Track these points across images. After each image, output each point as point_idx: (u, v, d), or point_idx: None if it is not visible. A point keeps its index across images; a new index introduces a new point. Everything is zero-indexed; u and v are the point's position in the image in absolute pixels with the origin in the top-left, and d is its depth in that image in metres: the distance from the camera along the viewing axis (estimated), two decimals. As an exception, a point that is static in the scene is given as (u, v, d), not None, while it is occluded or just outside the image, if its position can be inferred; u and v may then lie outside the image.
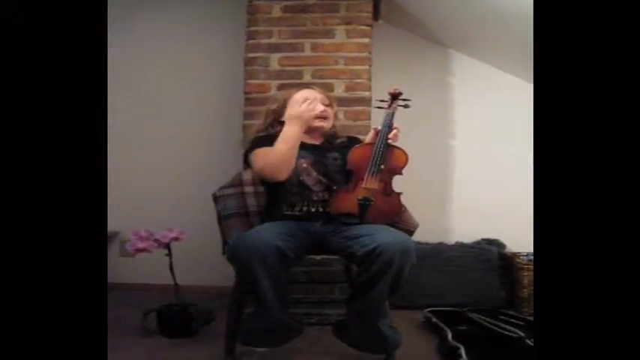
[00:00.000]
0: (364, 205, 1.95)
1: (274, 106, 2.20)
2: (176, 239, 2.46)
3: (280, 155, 1.93)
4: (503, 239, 3.17)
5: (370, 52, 2.79)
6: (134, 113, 3.42)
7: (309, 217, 2.00)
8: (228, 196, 2.26)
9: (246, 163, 2.13)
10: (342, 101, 2.68)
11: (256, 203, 2.28)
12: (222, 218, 2.21)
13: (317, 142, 2.17)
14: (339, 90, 2.75)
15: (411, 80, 3.29)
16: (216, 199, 2.25)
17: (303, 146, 2.06)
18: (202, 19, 3.43)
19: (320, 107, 2.13)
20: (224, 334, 2.07)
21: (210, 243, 2.44)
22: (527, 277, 2.85)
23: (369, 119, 2.73)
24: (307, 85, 2.31)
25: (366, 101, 2.75)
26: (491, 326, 2.43)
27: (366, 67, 2.77)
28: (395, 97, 2.15)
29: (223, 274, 2.45)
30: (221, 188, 2.29)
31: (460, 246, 3.14)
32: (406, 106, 2.13)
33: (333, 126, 2.23)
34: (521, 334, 2.29)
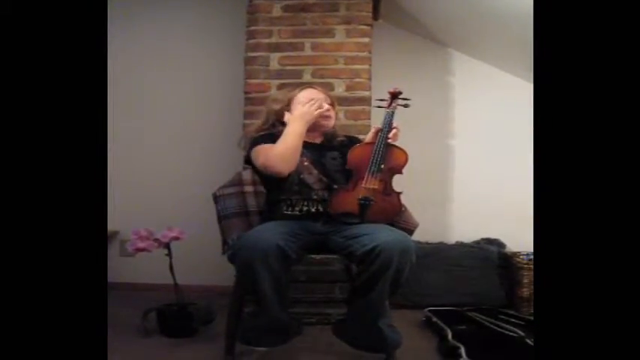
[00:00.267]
0: (364, 204, 1.95)
1: (277, 106, 2.20)
2: (176, 239, 2.46)
3: (285, 150, 1.94)
4: (503, 239, 3.16)
5: (370, 52, 2.79)
6: (134, 113, 3.42)
7: (310, 217, 2.00)
8: (228, 196, 2.26)
9: (247, 162, 2.14)
10: (342, 101, 2.68)
11: (256, 203, 2.28)
12: (221, 218, 2.21)
13: (317, 141, 2.17)
14: (339, 89, 2.75)
15: (411, 79, 3.29)
16: (216, 198, 2.26)
17: (303, 145, 2.06)
18: (202, 19, 3.43)
19: (325, 106, 2.14)
20: (224, 334, 2.08)
21: (210, 242, 2.44)
22: (527, 276, 2.85)
23: (369, 119, 2.73)
24: (309, 85, 2.31)
25: (366, 101, 2.74)
26: (491, 326, 2.44)
27: (366, 66, 2.77)
28: (395, 96, 2.15)
29: (223, 274, 2.44)
30: (221, 188, 2.29)
31: (460, 245, 3.14)
32: (406, 106, 2.14)
33: (333, 125, 2.23)
34: (521, 333, 2.29)
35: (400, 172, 2.07)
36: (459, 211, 3.31)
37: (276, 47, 2.80)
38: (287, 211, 2.03)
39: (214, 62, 3.39)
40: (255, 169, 2.13)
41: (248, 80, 2.80)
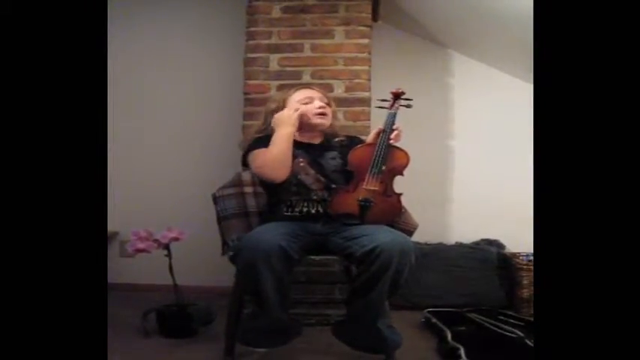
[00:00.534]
0: (364, 206, 1.95)
1: (273, 107, 2.21)
2: (176, 239, 2.46)
3: (274, 158, 1.95)
4: (502, 240, 3.16)
5: (369, 53, 2.79)
6: (133, 113, 3.42)
7: (309, 218, 2.01)
8: (227, 197, 2.25)
9: (245, 164, 2.14)
10: (341, 102, 2.68)
11: (256, 204, 2.28)
12: (221, 218, 2.21)
13: (316, 142, 2.18)
14: (339, 90, 2.75)
15: (411, 81, 3.26)
16: (215, 199, 2.25)
17: (300, 145, 2.07)
18: (202, 20, 3.43)
19: (317, 104, 2.14)
20: (224, 335, 2.08)
21: (210, 243, 2.43)
22: (527, 277, 2.85)
23: (369, 120, 2.73)
24: (306, 85, 2.32)
25: (366, 102, 2.75)
26: (491, 327, 2.43)
27: (366, 67, 2.77)
28: (397, 96, 2.14)
29: (223, 275, 2.44)
30: (220, 188, 2.29)
31: (459, 246, 3.14)
32: (408, 106, 2.13)
33: (333, 125, 2.23)
34: (521, 334, 2.29)
35: (401, 174, 2.07)
36: (459, 211, 3.32)
37: (275, 48, 2.80)
38: (287, 212, 2.03)
39: (214, 63, 3.39)
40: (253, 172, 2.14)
41: (247, 81, 2.80)
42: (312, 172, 2.05)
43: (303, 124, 2.13)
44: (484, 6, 2.77)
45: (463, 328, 2.41)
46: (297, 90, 2.23)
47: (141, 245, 2.40)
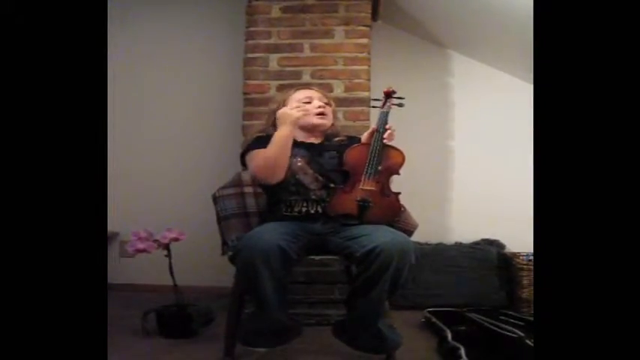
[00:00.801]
0: (363, 206, 1.95)
1: (274, 107, 2.22)
2: (176, 240, 2.45)
3: (269, 159, 1.94)
4: (502, 239, 3.17)
5: (369, 53, 2.80)
6: (133, 113, 3.42)
7: (309, 218, 2.00)
8: (227, 197, 2.25)
9: (243, 164, 2.15)
10: (341, 101, 2.68)
11: (255, 204, 2.28)
12: (221, 219, 2.21)
13: (316, 141, 2.17)
14: (339, 90, 2.75)
15: (410, 81, 3.30)
16: (215, 199, 2.25)
17: (299, 145, 2.07)
18: (201, 20, 3.43)
19: (317, 103, 2.15)
20: (223, 335, 2.07)
21: (210, 243, 2.44)
22: (527, 277, 2.85)
23: (368, 119, 2.74)
24: (306, 86, 2.33)
25: (365, 101, 2.74)
26: (491, 326, 2.43)
27: (365, 67, 2.78)
28: (389, 95, 2.13)
29: (223, 275, 2.44)
30: (220, 189, 2.28)
31: (459, 246, 3.15)
32: (400, 105, 2.11)
33: (333, 125, 2.23)
34: (521, 334, 2.29)
35: (397, 173, 2.06)
36: (459, 211, 3.32)
37: (275, 48, 2.80)
38: (286, 212, 2.03)
39: (213, 63, 3.39)
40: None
41: (247, 81, 2.80)
42: (310, 171, 2.05)
43: (303, 124, 2.14)
44: (484, 6, 2.78)
45: (463, 328, 2.41)
46: (296, 90, 2.24)
47: (141, 245, 2.39)
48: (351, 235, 1.89)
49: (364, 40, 2.78)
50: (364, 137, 2.12)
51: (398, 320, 2.12)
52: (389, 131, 2.03)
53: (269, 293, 1.76)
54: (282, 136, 1.97)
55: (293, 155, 2.02)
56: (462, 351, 2.08)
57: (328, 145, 2.17)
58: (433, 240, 3.17)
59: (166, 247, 2.44)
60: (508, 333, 2.33)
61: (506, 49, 3.11)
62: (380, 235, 1.79)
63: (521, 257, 2.95)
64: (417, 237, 2.16)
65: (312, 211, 2.01)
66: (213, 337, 2.35)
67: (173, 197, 3.34)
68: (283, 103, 2.20)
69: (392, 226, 2.00)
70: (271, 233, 1.77)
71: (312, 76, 2.77)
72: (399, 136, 2.07)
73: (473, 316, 2.60)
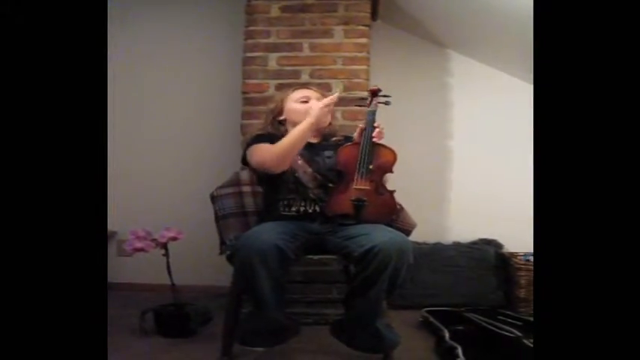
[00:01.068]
0: (358, 205, 1.95)
1: (272, 107, 2.25)
2: (174, 239, 2.45)
3: (280, 148, 1.94)
4: (500, 239, 3.17)
5: (368, 52, 2.79)
6: (132, 113, 3.41)
7: (307, 217, 2.01)
8: (225, 196, 2.26)
9: (244, 162, 2.15)
10: (340, 101, 2.66)
11: (254, 203, 2.28)
12: (219, 218, 2.22)
13: (314, 140, 2.18)
14: (338, 90, 2.73)
15: (409, 80, 3.31)
16: (213, 198, 2.26)
17: (300, 144, 2.07)
18: (201, 19, 3.42)
19: (313, 103, 2.16)
20: (221, 334, 2.07)
21: (208, 243, 2.44)
22: (525, 277, 2.85)
23: (368, 119, 2.73)
24: (303, 85, 2.33)
25: (365, 101, 2.74)
26: (489, 326, 2.44)
27: (364, 67, 2.77)
28: (375, 94, 2.11)
29: (221, 274, 2.44)
30: (219, 188, 2.29)
31: (457, 246, 3.15)
32: (387, 103, 2.09)
33: (331, 124, 2.24)
34: (519, 334, 2.29)
35: (390, 171, 2.05)
36: (457, 211, 3.32)
37: (274, 47, 2.80)
38: (284, 211, 2.03)
39: (212, 62, 3.39)
40: (251, 169, 2.14)
41: (246, 80, 2.80)
42: (309, 170, 2.06)
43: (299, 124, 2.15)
44: (483, 6, 2.78)
45: (461, 327, 2.41)
46: (295, 90, 2.25)
47: (139, 244, 2.39)
48: (349, 234, 1.89)
49: (363, 40, 2.78)
50: (355, 136, 2.11)
51: (396, 320, 2.13)
52: (377, 130, 2.02)
53: (266, 293, 1.76)
54: (300, 131, 1.97)
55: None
56: (460, 350, 2.08)
57: (326, 145, 2.17)
58: (431, 240, 3.17)
59: (164, 246, 2.44)
60: (506, 333, 2.34)
61: (506, 49, 3.11)
62: (378, 235, 1.79)
63: (518, 257, 2.96)
64: (415, 236, 2.17)
65: (310, 211, 2.02)
66: (211, 337, 2.34)
67: (171, 196, 3.33)
68: (281, 103, 2.22)
69: (390, 225, 2.00)
70: (269, 233, 1.77)
71: (312, 75, 2.77)
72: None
73: (470, 315, 2.61)
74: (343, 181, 2.00)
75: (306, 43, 2.79)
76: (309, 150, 2.10)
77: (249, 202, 2.28)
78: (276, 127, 2.21)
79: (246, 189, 2.31)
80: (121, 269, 3.24)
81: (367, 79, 2.77)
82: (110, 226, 3.22)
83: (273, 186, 2.08)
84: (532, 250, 2.86)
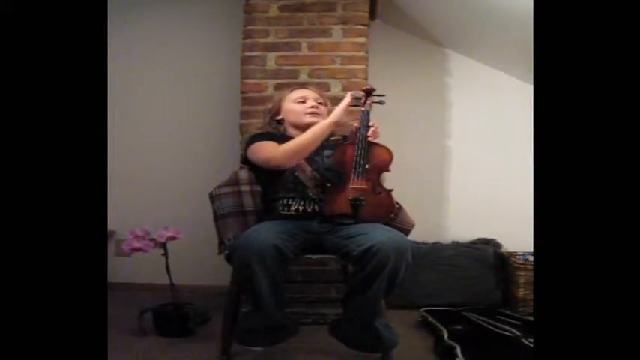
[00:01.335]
0: (356, 205, 1.94)
1: (270, 106, 2.27)
2: (172, 238, 2.45)
3: (295, 145, 1.96)
4: (499, 239, 3.17)
5: (367, 52, 2.79)
6: (130, 112, 3.40)
7: (305, 217, 2.01)
8: (224, 195, 2.26)
9: (244, 162, 2.15)
10: (338, 100, 2.64)
11: (252, 202, 2.28)
12: (218, 217, 2.21)
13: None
14: (336, 89, 2.74)
15: (408, 80, 3.31)
16: (212, 198, 2.25)
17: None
18: (199, 18, 3.42)
19: (310, 103, 2.18)
20: (220, 334, 2.07)
21: (207, 242, 2.44)
22: (524, 276, 2.85)
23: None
24: (302, 85, 2.34)
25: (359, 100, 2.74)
26: (488, 326, 2.44)
27: (363, 66, 2.77)
28: (369, 93, 2.09)
29: (219, 274, 2.44)
30: (217, 187, 2.29)
31: (456, 245, 3.15)
32: (381, 102, 2.08)
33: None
34: (518, 333, 2.30)
35: (387, 170, 2.05)
36: (455, 211, 3.32)
37: (272, 47, 2.79)
38: (283, 210, 2.03)
39: (211, 62, 3.38)
40: (251, 167, 2.14)
41: (244, 80, 2.79)
42: (308, 169, 2.06)
43: (297, 123, 2.18)
44: (482, 5, 2.78)
45: (460, 327, 2.42)
46: (292, 90, 2.26)
47: (137, 244, 2.39)
48: (348, 234, 1.89)
49: (362, 39, 2.78)
50: (349, 135, 2.11)
51: (394, 319, 2.12)
52: (372, 129, 2.01)
53: (265, 292, 1.77)
54: (323, 128, 1.98)
55: None
56: (458, 350, 2.08)
57: (325, 144, 2.17)
58: (430, 239, 3.17)
59: (163, 245, 2.44)
60: (504, 332, 2.34)
61: (505, 48, 3.11)
62: (377, 234, 1.79)
63: (517, 256, 2.96)
64: (413, 236, 2.17)
65: (309, 210, 2.02)
66: (210, 336, 2.34)
67: (170, 196, 3.33)
68: (279, 103, 2.24)
69: (389, 224, 2.00)
70: (267, 232, 1.77)
71: (310, 75, 2.76)
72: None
73: (469, 315, 2.61)
74: (341, 181, 2.00)
75: (304, 42, 2.79)
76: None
77: (247, 201, 2.28)
78: (275, 127, 2.22)
79: (245, 188, 2.31)
80: (119, 269, 3.23)
81: (366, 79, 2.76)
82: (108, 226, 3.21)
83: (272, 185, 2.08)
84: (531, 250, 2.87)
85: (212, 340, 2.23)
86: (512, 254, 3.01)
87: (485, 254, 3.08)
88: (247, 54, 2.80)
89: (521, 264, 2.88)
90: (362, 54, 2.77)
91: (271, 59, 2.79)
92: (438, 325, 2.42)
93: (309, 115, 2.17)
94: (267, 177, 2.10)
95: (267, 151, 2.00)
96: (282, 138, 2.07)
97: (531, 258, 2.92)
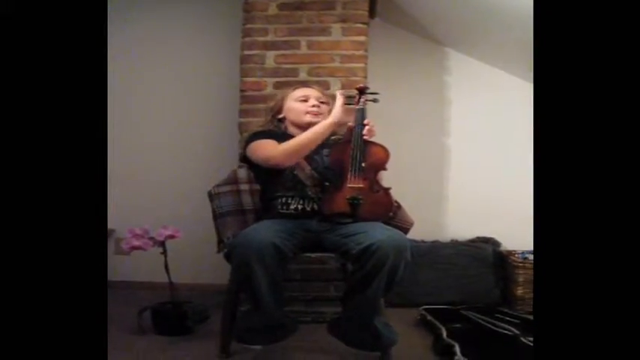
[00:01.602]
0: (354, 204, 1.95)
1: (271, 105, 2.28)
2: (171, 237, 2.45)
3: (295, 144, 1.97)
4: (498, 237, 3.17)
5: (366, 50, 2.79)
6: (130, 111, 3.40)
7: (305, 215, 2.01)
8: (223, 194, 2.26)
9: (244, 160, 2.15)
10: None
11: (252, 201, 2.28)
12: (217, 216, 2.21)
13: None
14: (336, 88, 2.73)
15: (407, 78, 3.31)
16: (211, 196, 2.25)
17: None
18: (198, 17, 3.41)
19: (312, 102, 2.18)
20: (219, 332, 2.08)
21: (206, 241, 2.44)
22: (522, 275, 2.86)
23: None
24: (304, 84, 2.34)
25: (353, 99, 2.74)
26: (486, 324, 2.45)
27: (362, 65, 2.77)
28: (362, 91, 2.08)
29: (218, 272, 2.44)
30: (216, 186, 2.28)
31: (455, 244, 3.15)
32: (375, 100, 2.07)
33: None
34: (516, 332, 2.30)
35: (384, 169, 2.05)
36: (455, 209, 3.32)
37: (272, 45, 2.79)
38: (282, 209, 2.03)
39: (210, 60, 3.38)
40: (251, 165, 2.14)
41: (244, 78, 2.79)
42: (307, 168, 2.06)
43: (297, 122, 2.18)
44: (483, 3, 2.77)
45: (458, 325, 2.42)
46: (295, 88, 2.26)
47: (136, 243, 2.39)
48: (347, 232, 1.89)
49: (361, 38, 2.78)
50: (344, 134, 2.11)
51: (393, 318, 2.12)
52: (367, 127, 2.01)
53: (264, 291, 1.77)
54: (323, 127, 2.00)
55: None
56: (457, 348, 2.08)
57: (324, 143, 2.17)
58: (429, 238, 3.17)
59: (162, 244, 2.44)
60: (503, 330, 2.35)
61: (506, 47, 3.11)
62: (376, 233, 1.79)
63: (516, 255, 2.97)
64: (412, 234, 2.17)
65: (308, 209, 2.02)
66: (209, 335, 2.34)
67: (169, 194, 3.33)
68: (281, 101, 2.24)
69: (388, 223, 2.00)
70: (266, 231, 1.78)
71: (309, 73, 2.76)
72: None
73: (468, 313, 2.62)
74: (339, 180, 2.00)
75: (303, 40, 2.78)
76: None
77: (247, 200, 2.28)
78: (276, 125, 2.22)
79: (244, 187, 2.31)
80: (118, 267, 3.23)
81: (365, 77, 2.76)
82: (108, 224, 3.21)
83: (271, 184, 2.08)
84: (530, 248, 2.87)
85: (211, 338, 2.23)
86: (511, 253, 3.02)
87: (485, 253, 3.08)
88: (246, 52, 2.79)
89: (520, 263, 2.89)
90: (361, 52, 2.77)
91: (270, 58, 2.78)
92: (437, 323, 2.42)
93: (310, 114, 2.17)
94: (267, 175, 2.10)
95: (266, 149, 2.00)
96: (282, 136, 2.07)
97: (530, 257, 2.92)
